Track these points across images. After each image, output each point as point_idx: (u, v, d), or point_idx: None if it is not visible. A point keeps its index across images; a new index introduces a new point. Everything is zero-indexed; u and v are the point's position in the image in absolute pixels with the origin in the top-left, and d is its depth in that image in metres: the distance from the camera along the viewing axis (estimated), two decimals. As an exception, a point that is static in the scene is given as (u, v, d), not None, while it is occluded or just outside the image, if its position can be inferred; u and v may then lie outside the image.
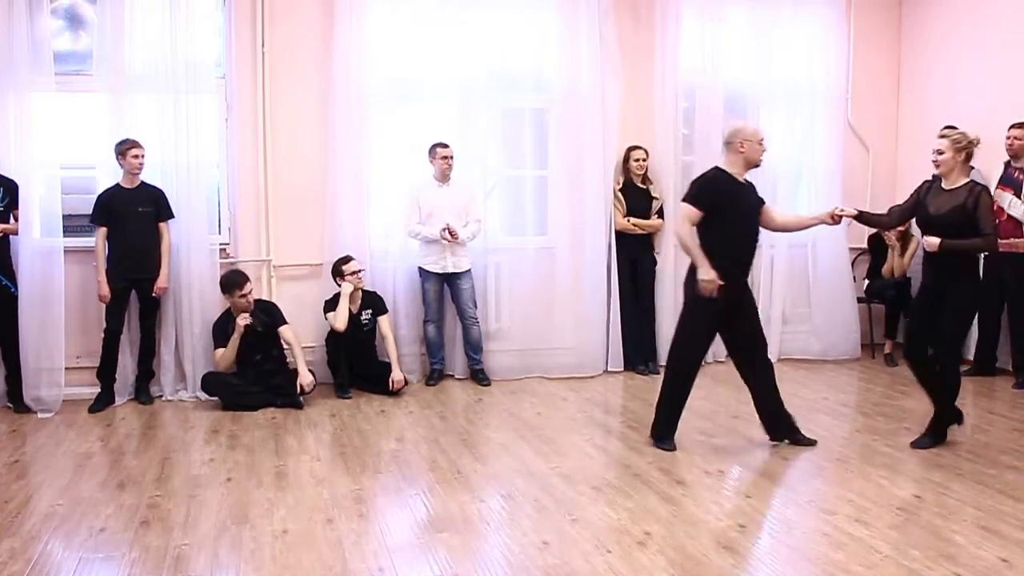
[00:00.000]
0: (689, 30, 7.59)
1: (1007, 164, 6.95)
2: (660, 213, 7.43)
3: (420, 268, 6.99)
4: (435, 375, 7.10)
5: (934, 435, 5.39)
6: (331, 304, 6.63)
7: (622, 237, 7.37)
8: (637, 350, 7.47)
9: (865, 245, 8.12)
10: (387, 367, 6.71)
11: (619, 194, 7.38)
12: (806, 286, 8.02)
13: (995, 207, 6.92)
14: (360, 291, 6.71)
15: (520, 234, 7.50)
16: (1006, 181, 6.90)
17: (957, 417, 5.44)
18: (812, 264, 8.02)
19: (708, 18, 7.59)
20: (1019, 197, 6.73)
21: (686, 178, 7.52)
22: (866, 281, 7.99)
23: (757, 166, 5.26)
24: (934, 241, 5.10)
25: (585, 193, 7.27)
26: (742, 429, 5.75)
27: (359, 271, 6.66)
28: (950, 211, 5.10)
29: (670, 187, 7.49)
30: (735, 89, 7.80)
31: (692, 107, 7.70)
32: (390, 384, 6.62)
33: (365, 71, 6.91)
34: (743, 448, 5.40)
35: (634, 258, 7.43)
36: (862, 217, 5.54)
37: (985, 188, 5.16)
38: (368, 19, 6.89)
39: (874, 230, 7.84)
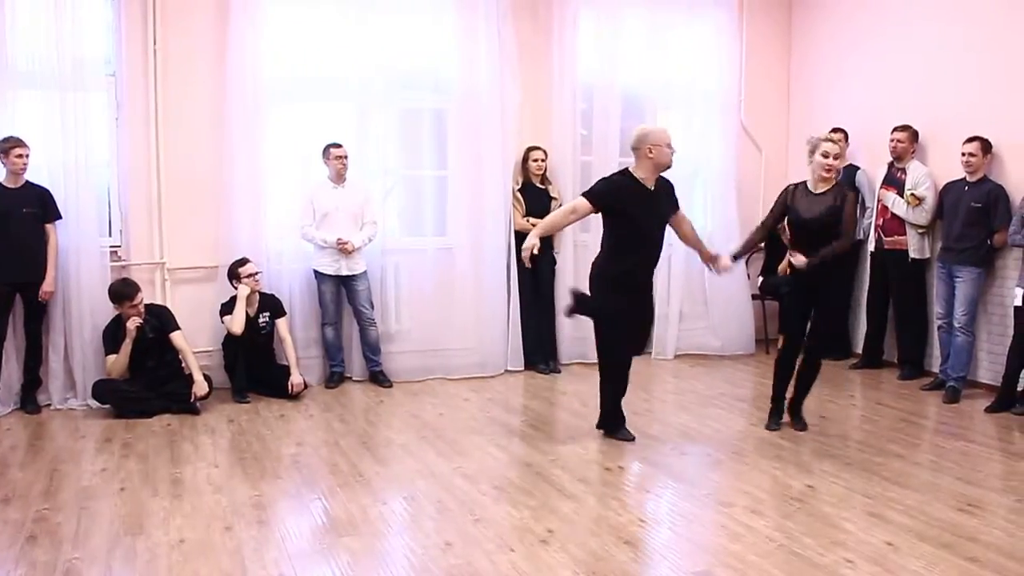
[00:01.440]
0: (586, 32, 7.69)
1: (890, 165, 7.21)
2: (560, 213, 7.49)
3: (315, 270, 6.90)
4: (335, 378, 7.02)
5: (797, 417, 5.82)
6: (227, 307, 6.50)
7: (521, 237, 7.39)
8: (537, 349, 7.52)
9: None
10: (286, 370, 6.61)
11: (518, 194, 7.42)
12: (702, 284, 8.19)
13: (879, 206, 7.22)
14: (257, 294, 6.59)
15: (419, 235, 7.46)
16: (890, 181, 7.17)
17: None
18: (708, 262, 8.19)
19: (605, 21, 7.69)
20: (902, 196, 7.00)
21: (585, 178, 7.63)
22: (760, 278, 8.18)
23: (667, 168, 5.25)
24: (802, 260, 5.33)
25: (484, 193, 7.28)
26: (641, 425, 5.83)
27: (256, 273, 6.55)
28: (825, 211, 5.30)
29: (568, 187, 7.56)
30: (632, 91, 7.92)
31: (590, 108, 7.78)
32: (289, 388, 6.52)
33: (261, 70, 6.79)
34: (642, 444, 5.47)
35: (534, 257, 7.45)
36: (741, 255, 5.80)
37: (853, 190, 5.40)
38: (264, 17, 6.77)
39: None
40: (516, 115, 7.45)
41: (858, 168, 7.65)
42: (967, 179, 6.59)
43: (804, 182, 5.53)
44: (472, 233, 7.30)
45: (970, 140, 6.52)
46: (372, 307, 6.99)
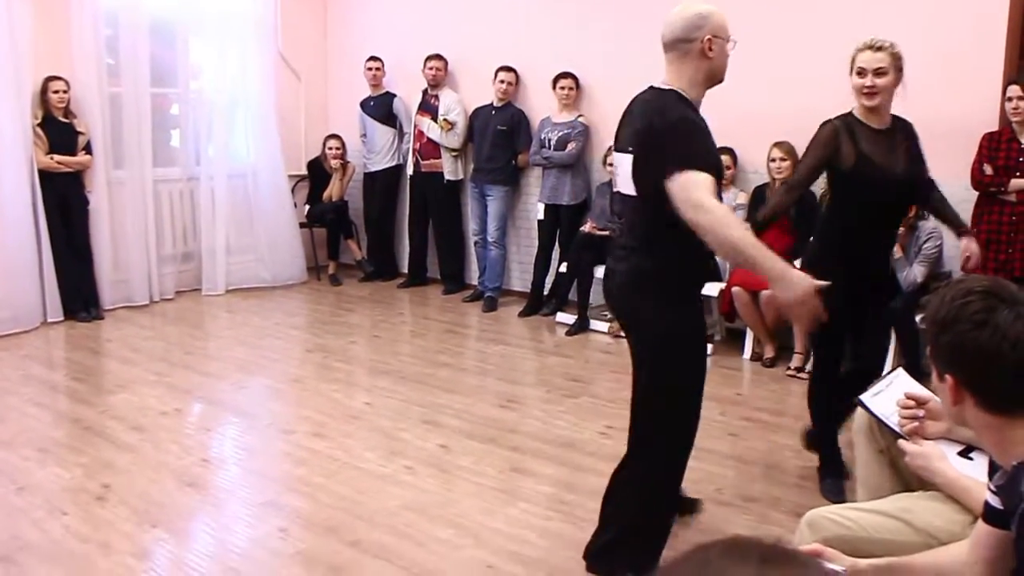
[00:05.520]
0: (102, -50, 7.07)
1: (425, 92, 7.56)
2: (88, 148, 6.91)
3: None
4: None
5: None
6: None
7: (47, 176, 6.75)
8: (76, 296, 6.96)
9: (304, 172, 8.35)
10: None
11: (38, 130, 6.72)
12: (249, 215, 8.05)
13: (416, 131, 7.57)
14: None
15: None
16: (425, 107, 7.53)
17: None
18: (253, 193, 8.05)
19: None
20: (435, 121, 7.39)
21: (115, 110, 7.14)
22: (307, 206, 8.25)
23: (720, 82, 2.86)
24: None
25: (-1, 130, 6.51)
26: (196, 365, 5.69)
27: None
28: (912, 162, 3.53)
29: (97, 121, 6.98)
30: (162, 17, 7.45)
31: (115, 35, 7.21)
32: None
33: None
34: (199, 383, 5.34)
35: (64, 198, 6.87)
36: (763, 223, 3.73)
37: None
38: None
39: (314, 156, 8.17)
40: (30, 43, 6.68)
41: (395, 96, 7.93)
42: (494, 104, 7.12)
43: (853, 118, 3.50)
44: (-14, 175, 6.51)
45: (506, 69, 7.07)
46: None
